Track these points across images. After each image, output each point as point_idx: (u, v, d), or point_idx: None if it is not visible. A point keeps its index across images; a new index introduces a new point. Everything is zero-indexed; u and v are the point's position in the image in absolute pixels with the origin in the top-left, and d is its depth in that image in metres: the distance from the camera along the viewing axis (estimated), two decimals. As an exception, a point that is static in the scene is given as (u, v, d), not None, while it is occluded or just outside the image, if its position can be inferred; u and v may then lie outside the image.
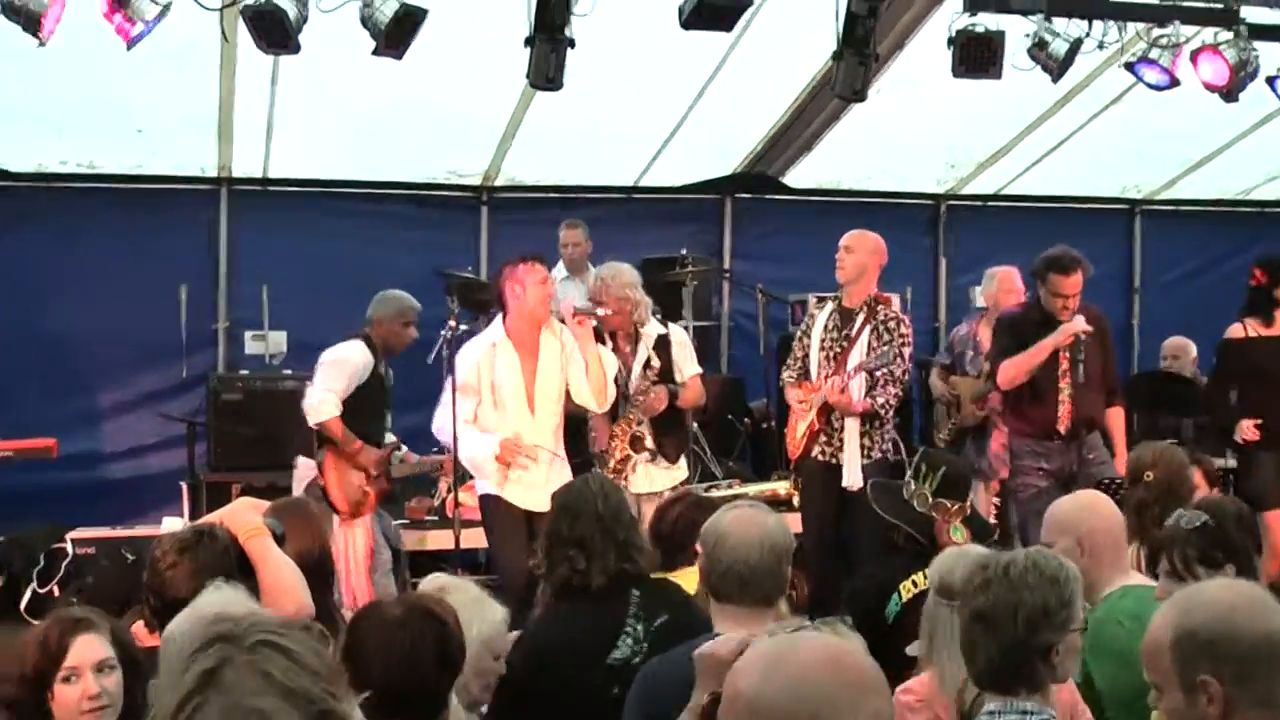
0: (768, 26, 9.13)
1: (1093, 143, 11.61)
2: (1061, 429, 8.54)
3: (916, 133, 11.36)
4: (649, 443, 8.71)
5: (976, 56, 8.27)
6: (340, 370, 8.68)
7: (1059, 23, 8.36)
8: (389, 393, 9.01)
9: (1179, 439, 10.28)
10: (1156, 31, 8.65)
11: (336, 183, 11.40)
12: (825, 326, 8.73)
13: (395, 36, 7.39)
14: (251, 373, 10.64)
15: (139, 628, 4.67)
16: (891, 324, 8.61)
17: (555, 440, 8.26)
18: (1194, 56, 8.71)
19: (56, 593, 7.56)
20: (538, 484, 8.02)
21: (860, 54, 8.19)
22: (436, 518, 9.66)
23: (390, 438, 9.03)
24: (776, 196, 12.15)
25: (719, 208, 12.40)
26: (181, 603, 4.53)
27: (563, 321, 8.25)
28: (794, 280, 11.32)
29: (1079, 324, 8.49)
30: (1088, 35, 8.44)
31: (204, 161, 10.90)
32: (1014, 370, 8.60)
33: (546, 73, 7.75)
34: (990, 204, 12.88)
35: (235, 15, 7.35)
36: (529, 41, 7.70)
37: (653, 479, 8.73)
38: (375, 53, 7.47)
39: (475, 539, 8.76)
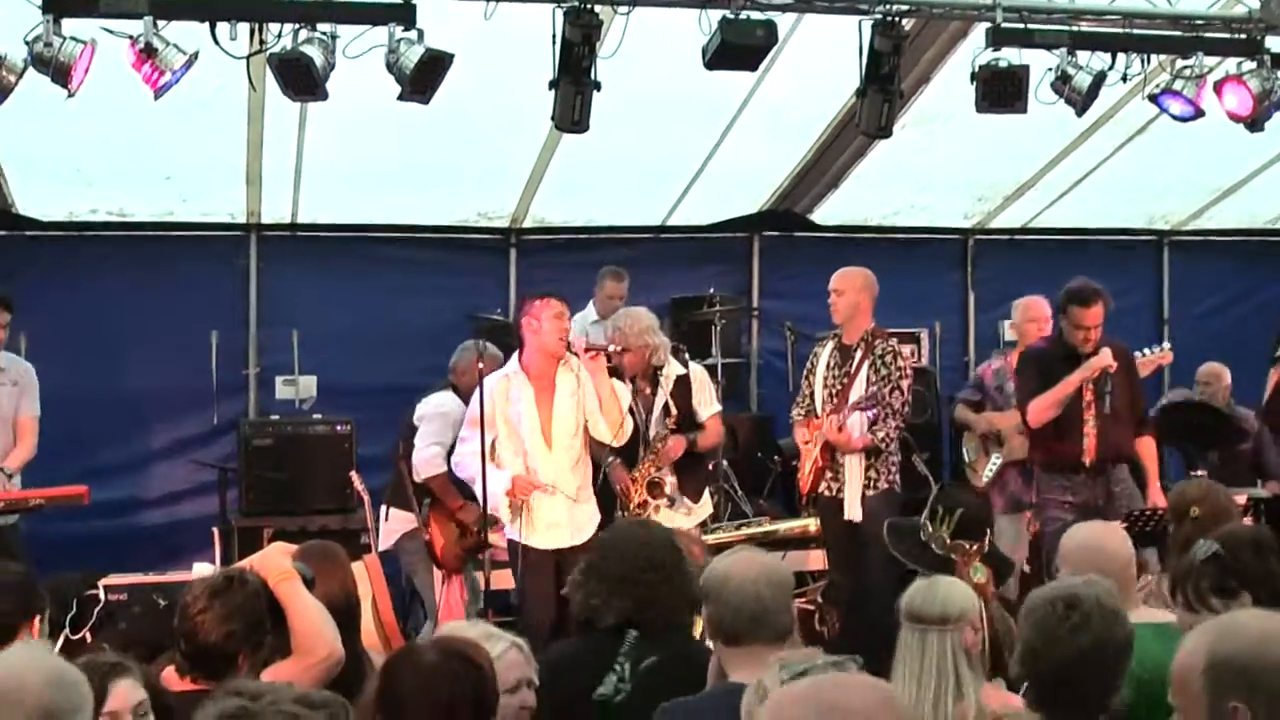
0: (792, 64, 9.13)
1: (1119, 174, 11.59)
2: (1087, 461, 8.54)
3: (942, 167, 11.35)
4: (668, 489, 8.71)
5: (1000, 91, 8.26)
6: (445, 423, 8.83)
7: (1082, 56, 8.35)
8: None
9: (1206, 470, 10.31)
10: (1180, 63, 8.65)
11: (365, 227, 11.45)
12: (827, 364, 8.86)
13: (421, 81, 7.41)
14: (282, 418, 10.67)
15: (169, 673, 4.68)
16: (889, 357, 8.73)
17: (576, 477, 8.27)
18: (1218, 87, 8.69)
19: (89, 639, 7.55)
20: (559, 522, 8.08)
21: (884, 90, 8.19)
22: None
23: None
24: (804, 234, 12.15)
25: (747, 246, 12.41)
26: (213, 647, 4.56)
27: (578, 356, 8.26)
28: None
29: (1105, 358, 8.50)
30: (1111, 68, 8.43)
31: (233, 208, 10.95)
32: (1042, 407, 8.61)
33: (572, 115, 7.77)
34: (1018, 237, 12.84)
35: (262, 63, 7.39)
36: (554, 84, 7.71)
37: (678, 519, 8.74)
38: (401, 98, 7.49)
39: (505, 580, 8.78)
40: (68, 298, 10.81)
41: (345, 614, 5.43)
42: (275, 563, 4.94)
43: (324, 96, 7.35)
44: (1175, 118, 8.80)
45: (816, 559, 9.75)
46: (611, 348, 8.43)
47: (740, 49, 7.80)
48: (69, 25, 6.97)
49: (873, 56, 8.07)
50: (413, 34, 7.34)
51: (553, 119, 7.87)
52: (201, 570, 7.18)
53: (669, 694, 4.49)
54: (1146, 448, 8.90)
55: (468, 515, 8.84)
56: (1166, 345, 9.61)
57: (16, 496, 8.61)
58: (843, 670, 3.46)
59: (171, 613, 4.83)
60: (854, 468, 8.70)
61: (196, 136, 9.42)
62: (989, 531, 6.43)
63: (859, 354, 8.73)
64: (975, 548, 6.17)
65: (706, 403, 9.06)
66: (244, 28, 7.15)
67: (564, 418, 8.24)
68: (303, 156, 9.96)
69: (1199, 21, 8.69)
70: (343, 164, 10.24)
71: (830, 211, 12.00)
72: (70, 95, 7.04)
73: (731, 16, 7.73)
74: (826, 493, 8.82)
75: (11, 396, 9.02)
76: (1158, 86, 8.74)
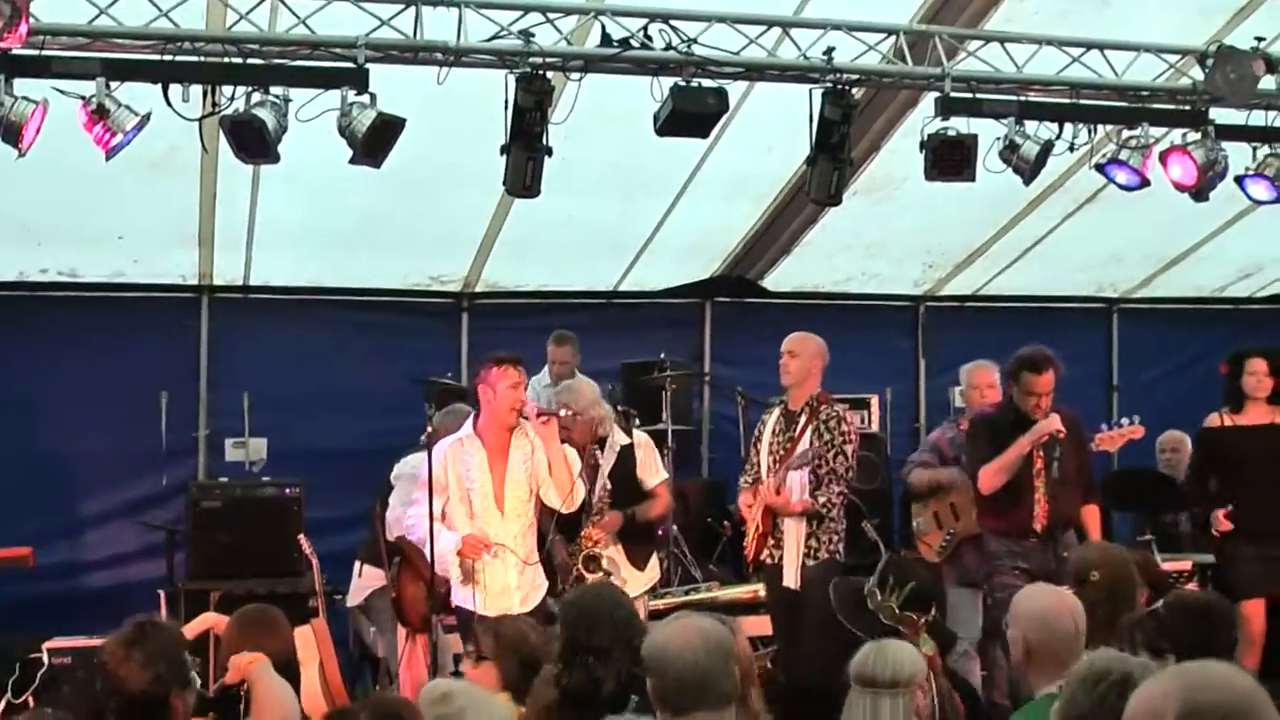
0: (743, 131, 9.22)
1: (1068, 242, 11.73)
2: (1038, 528, 8.55)
3: (893, 234, 11.47)
4: (605, 563, 8.67)
5: (949, 160, 8.34)
6: (417, 483, 8.75)
7: (1030, 125, 8.45)
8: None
9: (1174, 533, 10.38)
10: (1126, 133, 8.76)
11: (317, 289, 11.43)
12: (773, 430, 8.81)
13: (373, 145, 7.43)
14: (231, 480, 10.59)
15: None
16: (832, 422, 8.65)
17: (527, 542, 8.24)
18: (1163, 157, 8.81)
19: (31, 703, 7.50)
20: (510, 587, 8.02)
21: (835, 159, 8.25)
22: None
23: None
24: (756, 300, 12.20)
25: (699, 311, 12.45)
26: (141, 695, 4.55)
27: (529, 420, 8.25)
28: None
29: (1054, 422, 8.53)
30: (1058, 137, 8.53)
31: (184, 269, 10.93)
32: (994, 474, 8.63)
33: (524, 181, 7.79)
34: (968, 304, 12.94)
35: (215, 125, 7.40)
36: (505, 150, 7.74)
37: (627, 586, 8.73)
38: (353, 161, 7.51)
39: (455, 645, 8.74)
40: (17, 357, 10.77)
41: (284, 673, 5.45)
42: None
43: (275, 159, 7.36)
44: (1121, 187, 8.91)
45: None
46: (563, 412, 8.42)
47: (692, 116, 7.86)
48: (21, 85, 6.97)
49: (823, 124, 8.14)
50: (365, 98, 7.37)
51: (504, 184, 7.89)
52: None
53: None
54: (1091, 515, 8.94)
55: (437, 580, 8.79)
56: (1136, 419, 9.60)
57: (-40, 559, 8.53)
58: None
59: (116, 677, 4.82)
60: (793, 535, 8.57)
61: (148, 197, 9.41)
62: (936, 605, 6.47)
63: (803, 419, 8.71)
64: (923, 620, 6.20)
65: (653, 471, 9.07)
66: (197, 90, 7.17)
67: (516, 484, 8.21)
68: (255, 218, 9.97)
69: (1145, 93, 8.80)
70: (295, 226, 10.25)
71: (782, 278, 12.06)
72: (21, 155, 7.04)
73: (683, 84, 7.80)
74: (769, 560, 8.68)
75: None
76: (1104, 156, 8.84)
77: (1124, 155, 8.73)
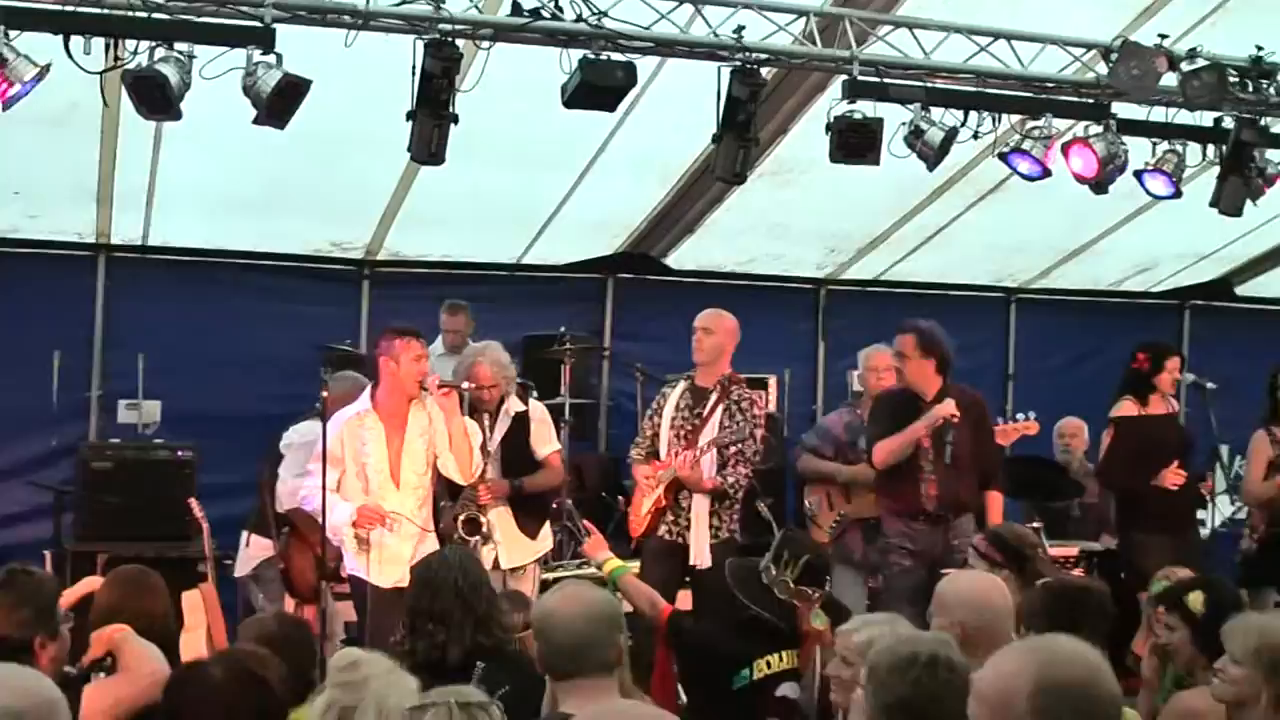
0: (652, 109, 9.21)
1: (970, 232, 11.83)
2: (928, 509, 8.63)
3: (798, 217, 11.50)
4: (485, 527, 8.66)
5: (854, 143, 8.37)
6: (309, 452, 8.67)
7: (936, 112, 8.51)
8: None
9: (1065, 520, 10.52)
10: (1030, 123, 8.85)
11: (217, 252, 11.31)
12: (677, 405, 8.83)
13: (278, 107, 7.35)
14: (123, 442, 10.47)
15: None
16: (745, 404, 8.72)
17: (423, 514, 8.22)
18: (1065, 148, 8.91)
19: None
20: (401, 558, 7.99)
21: (740, 137, 8.26)
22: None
23: None
24: (658, 278, 12.21)
25: (601, 287, 12.45)
26: (6, 640, 4.52)
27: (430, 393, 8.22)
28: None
29: (948, 407, 8.60)
30: (963, 125, 8.60)
31: (82, 227, 10.78)
32: (886, 451, 8.70)
33: (428, 148, 7.74)
34: (870, 289, 13.02)
35: (117, 80, 7.30)
36: (411, 116, 7.69)
37: (514, 555, 8.73)
38: (256, 122, 7.43)
39: (346, 613, 8.72)
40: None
41: (160, 636, 5.43)
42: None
43: (178, 116, 7.27)
44: (1023, 176, 9.00)
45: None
46: (465, 385, 8.40)
47: (600, 89, 7.85)
48: (-85, 33, 6.84)
49: (730, 102, 8.15)
50: (271, 58, 7.29)
51: (409, 150, 7.84)
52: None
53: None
54: (993, 501, 9.04)
55: (328, 551, 8.73)
56: (1033, 415, 9.73)
57: None
58: None
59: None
60: (701, 512, 8.62)
61: (47, 152, 9.29)
62: (829, 579, 6.53)
63: (714, 397, 8.73)
64: (818, 595, 6.25)
65: (545, 440, 9.06)
66: (99, 43, 7.06)
67: (414, 457, 8.19)
68: (156, 178, 9.83)
69: (1050, 84, 8.89)
70: (197, 187, 10.14)
71: (685, 256, 12.09)
72: (-85, 104, 6.91)
73: (592, 57, 7.78)
74: (667, 535, 8.72)
75: None
76: (1007, 145, 8.93)
77: (1027, 145, 8.83)
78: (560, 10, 7.81)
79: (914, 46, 8.58)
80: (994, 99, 8.74)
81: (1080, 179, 8.99)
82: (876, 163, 8.47)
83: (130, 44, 7.17)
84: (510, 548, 8.69)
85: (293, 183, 10.10)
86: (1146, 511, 9.39)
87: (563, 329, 11.17)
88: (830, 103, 8.55)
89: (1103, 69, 8.78)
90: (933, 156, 8.51)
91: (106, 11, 7.15)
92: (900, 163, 8.64)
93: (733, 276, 12.49)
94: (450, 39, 7.58)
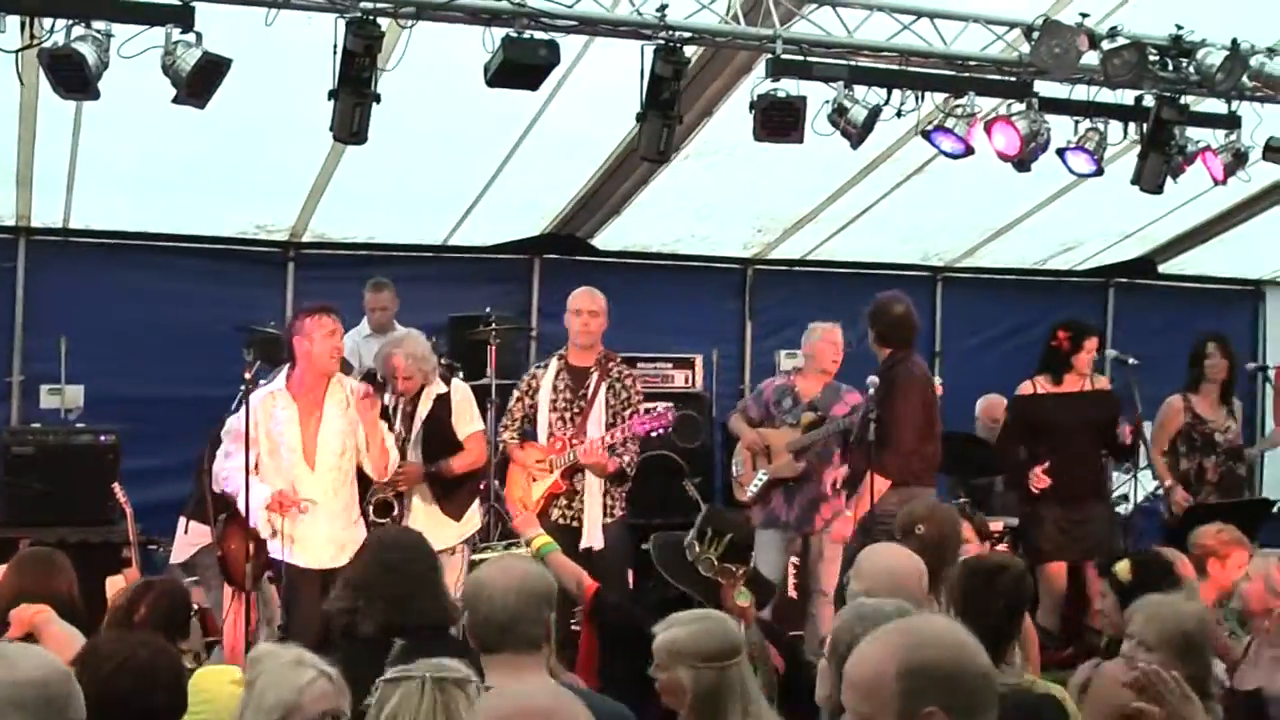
0: (578, 90, 9.18)
1: (896, 212, 11.87)
2: None
3: (724, 198, 11.51)
4: (395, 510, 8.70)
5: (778, 121, 8.39)
6: (234, 435, 8.60)
7: (859, 90, 8.54)
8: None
9: (989, 496, 10.62)
10: (953, 101, 8.90)
11: (140, 235, 11.21)
12: (555, 387, 8.85)
13: (197, 86, 7.28)
14: (44, 426, 10.35)
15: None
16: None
17: (343, 497, 8.20)
18: (988, 126, 8.97)
19: None
20: (318, 540, 7.99)
21: (664, 116, 8.26)
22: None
23: None
24: (585, 258, 12.18)
25: (528, 268, 12.41)
26: None
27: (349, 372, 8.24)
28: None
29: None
30: (886, 103, 8.64)
31: (1, 210, 10.65)
32: None
33: (350, 127, 7.69)
34: (797, 269, 13.05)
35: (33, 59, 7.20)
36: (333, 95, 7.64)
37: (436, 538, 8.66)
38: (176, 101, 7.36)
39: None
40: None
41: (69, 616, 5.42)
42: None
43: (95, 96, 7.19)
44: (946, 154, 9.05)
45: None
46: (388, 396, 8.50)
47: (522, 67, 7.81)
48: None
49: (654, 81, 8.15)
50: (190, 37, 7.23)
51: (331, 130, 7.79)
52: None
53: None
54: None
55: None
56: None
57: None
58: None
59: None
60: (595, 494, 8.73)
61: (-37, 134, 9.17)
62: (753, 556, 6.54)
63: (595, 377, 8.81)
64: (741, 571, 6.26)
65: (466, 421, 9.03)
66: (14, 20, 6.98)
67: (330, 439, 8.18)
68: (77, 159, 9.71)
69: (973, 63, 8.93)
70: (119, 169, 10.03)
71: (612, 237, 12.07)
72: None
73: (515, 35, 7.75)
74: (561, 520, 8.74)
75: None
76: (931, 124, 8.97)
77: (950, 123, 8.87)
78: (484, -11, 7.79)
79: (838, 25, 8.59)
80: (917, 77, 8.78)
81: (1003, 157, 9.06)
82: (800, 141, 8.48)
83: (46, 22, 7.08)
84: (433, 531, 8.60)
85: (216, 164, 10.00)
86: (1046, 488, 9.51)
87: (488, 310, 11.14)
88: (755, 83, 8.57)
89: (1025, 47, 8.83)
90: (856, 135, 8.54)
91: (23, -12, 7.08)
92: (826, 143, 8.67)
93: (659, 257, 12.51)
94: (372, 17, 7.53)
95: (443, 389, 8.96)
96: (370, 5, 7.53)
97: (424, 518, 8.76)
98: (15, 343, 10.99)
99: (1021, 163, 9.15)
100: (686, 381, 11.48)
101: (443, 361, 9.46)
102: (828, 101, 8.50)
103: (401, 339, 9.05)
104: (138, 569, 8.89)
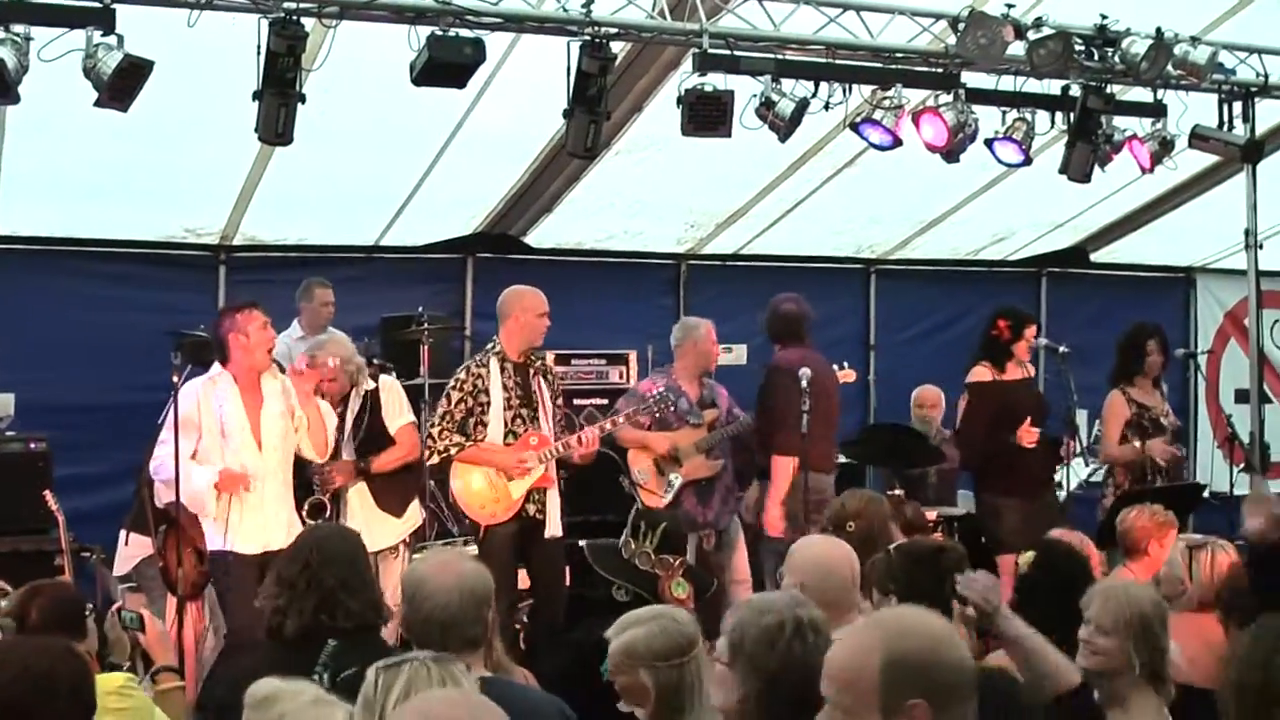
0: (506, 87, 9.17)
1: (828, 205, 11.90)
2: None
3: (657, 194, 11.50)
4: (328, 512, 8.71)
5: (706, 115, 8.40)
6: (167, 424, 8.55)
7: (787, 84, 8.57)
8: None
9: (922, 486, 10.67)
10: (881, 94, 8.93)
11: (67, 240, 11.06)
12: (505, 385, 8.81)
13: (119, 88, 7.23)
14: (-26, 435, 10.26)
15: None
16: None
17: (283, 478, 8.24)
18: (916, 118, 9.02)
19: None
20: (268, 523, 7.98)
21: (591, 112, 8.26)
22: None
23: None
24: (518, 256, 12.15)
25: (461, 267, 12.35)
26: None
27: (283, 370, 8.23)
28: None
29: None
30: (814, 96, 8.67)
31: (-73, 217, 10.53)
32: None
33: (275, 127, 7.64)
34: (730, 264, 13.06)
35: (-49, 63, 7.13)
36: (258, 95, 7.59)
37: (378, 536, 8.63)
38: (98, 104, 7.31)
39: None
40: None
41: None
42: None
43: (15, 100, 7.13)
44: (875, 146, 9.10)
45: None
46: (331, 361, 8.48)
47: (448, 66, 7.80)
48: None
49: (580, 77, 8.15)
50: (111, 39, 7.18)
51: (256, 131, 7.74)
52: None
53: None
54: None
55: (205, 541, 8.63)
56: (846, 364, 9.98)
57: None
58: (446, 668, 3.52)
59: None
60: (554, 486, 8.91)
61: (-115, 141, 9.06)
62: (686, 547, 6.56)
63: (532, 371, 8.97)
64: (679, 562, 6.29)
65: (396, 414, 9.05)
66: (-70, 24, 6.91)
67: (273, 420, 8.22)
68: (1, 165, 9.60)
69: (899, 55, 8.99)
70: (44, 174, 9.92)
71: (544, 235, 12.04)
72: None
73: (440, 33, 7.73)
74: (539, 515, 8.79)
75: None
76: (859, 116, 9.01)
77: (878, 115, 8.92)
78: (408, -13, 7.78)
79: (764, 19, 8.62)
80: (844, 70, 8.83)
81: (931, 148, 9.12)
82: (728, 135, 8.51)
83: (-37, 26, 7.02)
84: (373, 530, 8.53)
85: (142, 168, 9.91)
86: (1001, 475, 9.56)
87: (420, 310, 11.10)
88: (683, 78, 8.58)
89: (951, 39, 8.89)
90: (784, 128, 8.57)
91: (-63, -8, 7.01)
92: (757, 137, 8.70)
93: (593, 254, 12.49)
94: (295, 17, 7.49)
95: (371, 386, 8.97)
96: (293, 5, 7.50)
97: (363, 516, 8.75)
98: (-57, 351, 10.84)
99: (950, 154, 9.21)
100: (621, 377, 11.49)
101: (374, 362, 9.43)
102: (755, 95, 8.52)
103: (324, 342, 9.07)
104: (71, 577, 8.81)
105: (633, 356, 11.70)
